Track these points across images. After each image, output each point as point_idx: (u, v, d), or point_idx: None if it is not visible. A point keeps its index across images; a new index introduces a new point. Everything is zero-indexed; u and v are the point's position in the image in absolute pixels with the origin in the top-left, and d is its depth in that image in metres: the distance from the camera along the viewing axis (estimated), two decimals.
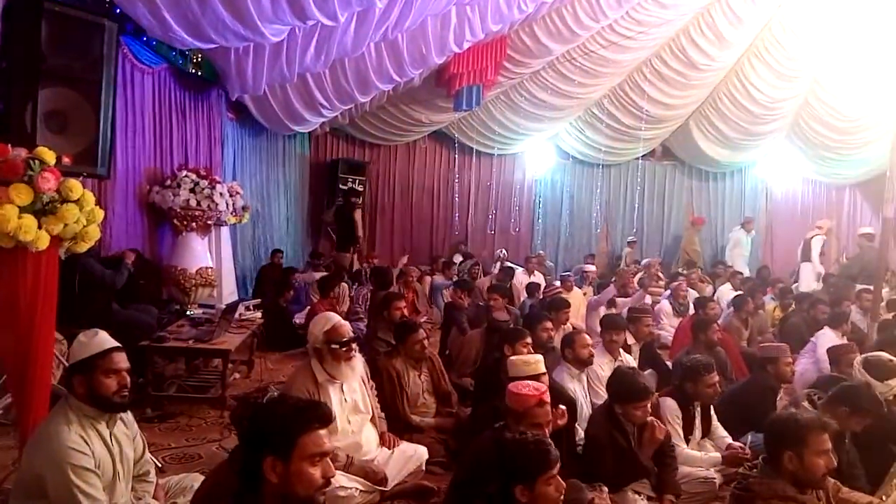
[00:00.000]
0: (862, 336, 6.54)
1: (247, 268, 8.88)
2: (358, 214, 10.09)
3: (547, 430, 3.02)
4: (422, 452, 3.76)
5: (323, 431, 1.82)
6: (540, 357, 3.62)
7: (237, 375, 5.72)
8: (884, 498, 3.22)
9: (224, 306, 5.81)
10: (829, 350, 5.24)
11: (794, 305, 8.27)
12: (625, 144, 11.88)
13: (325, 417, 1.86)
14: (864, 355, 4.49)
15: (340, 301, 7.58)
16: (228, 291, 7.44)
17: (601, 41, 9.44)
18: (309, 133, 10.71)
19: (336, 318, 3.65)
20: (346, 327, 3.61)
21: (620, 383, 3.68)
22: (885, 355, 4.32)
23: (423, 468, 3.75)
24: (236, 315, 5.64)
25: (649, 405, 3.61)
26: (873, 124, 10.64)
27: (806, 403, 3.65)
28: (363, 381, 3.76)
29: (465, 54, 8.78)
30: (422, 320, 6.67)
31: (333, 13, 5.40)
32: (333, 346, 3.50)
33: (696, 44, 9.93)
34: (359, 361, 3.71)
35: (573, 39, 9.28)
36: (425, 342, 4.47)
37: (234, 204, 6.85)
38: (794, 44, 9.96)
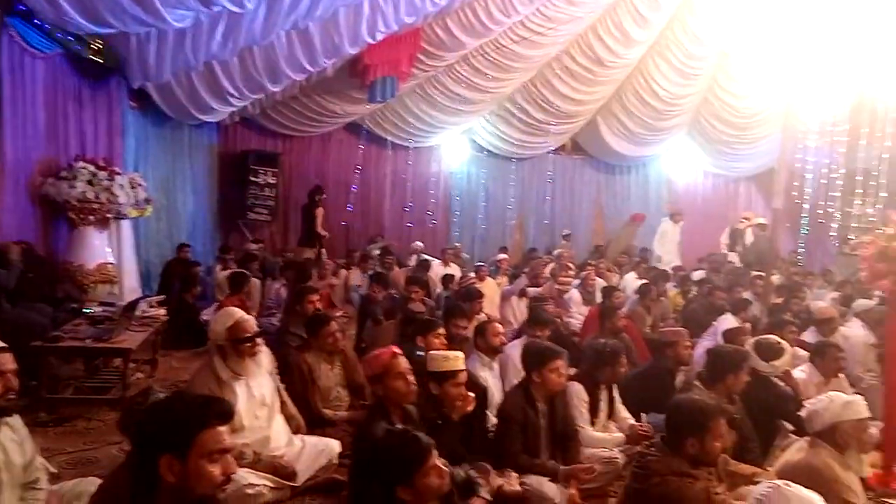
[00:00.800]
0: (755, 320, 6.99)
1: (151, 263, 8.53)
2: (319, 211, 10.19)
3: (455, 416, 3.08)
4: (333, 446, 3.73)
5: (223, 428, 1.78)
6: (460, 354, 3.65)
7: (140, 375, 5.49)
8: (768, 469, 3.47)
9: (125, 303, 5.56)
10: (724, 333, 5.56)
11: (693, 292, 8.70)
12: (536, 138, 12.16)
13: (224, 414, 1.81)
14: (755, 338, 4.81)
15: (251, 297, 7.40)
16: (131, 288, 7.13)
17: (513, 36, 9.61)
18: (217, 123, 10.36)
19: (239, 313, 3.56)
20: (250, 322, 3.54)
21: (532, 351, 3.82)
22: (773, 338, 4.64)
23: (336, 462, 3.73)
24: (138, 312, 5.41)
25: (563, 366, 3.75)
26: (765, 121, 11.34)
27: (696, 382, 3.88)
28: (272, 375, 3.70)
29: (379, 45, 8.73)
30: (337, 314, 6.60)
31: (240, 0, 5.25)
32: (237, 342, 3.43)
33: (604, 41, 10.27)
34: (265, 356, 3.64)
35: (486, 34, 9.41)
36: (338, 335, 4.42)
37: (135, 196, 6.55)
38: (693, 44, 10.47)
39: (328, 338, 4.33)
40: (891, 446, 4.12)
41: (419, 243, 11.74)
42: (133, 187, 6.51)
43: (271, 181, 11.11)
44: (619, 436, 4.19)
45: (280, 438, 3.59)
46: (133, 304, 5.39)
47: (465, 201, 13.09)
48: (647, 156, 13.41)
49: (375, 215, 12.47)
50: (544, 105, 11.35)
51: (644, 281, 8.47)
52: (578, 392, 4.08)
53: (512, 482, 3.29)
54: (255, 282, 7.89)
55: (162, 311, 5.91)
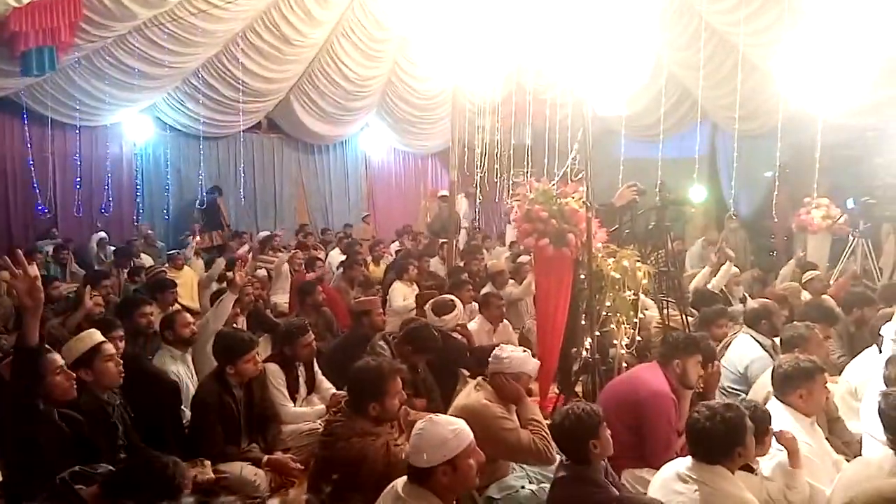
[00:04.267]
0: (442, 282, 7.71)
1: None
2: (221, 201, 10.36)
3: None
4: None
5: None
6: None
7: None
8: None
9: None
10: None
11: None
12: (227, 117, 11.67)
13: None
14: (433, 299, 5.34)
15: None
16: None
17: (190, 8, 9.05)
18: None
19: None
20: None
21: (223, 344, 3.76)
22: (448, 297, 5.21)
23: None
24: None
25: (257, 355, 3.77)
26: (444, 102, 12.38)
27: (382, 343, 4.21)
28: None
29: (29, 11, 7.58)
30: None
31: None
32: None
33: (288, 20, 10.21)
34: None
35: (159, 4, 8.73)
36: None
37: None
38: (374, 27, 10.95)
39: None
40: (545, 378, 4.92)
41: (102, 234, 10.61)
42: None
43: None
44: (321, 407, 4.36)
45: None
46: None
47: (153, 184, 12.10)
48: (344, 135, 13.79)
49: (44, 204, 10.84)
50: (233, 82, 10.96)
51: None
52: (274, 372, 4.14)
53: (205, 470, 3.24)
54: None
55: None
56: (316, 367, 4.56)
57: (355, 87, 11.94)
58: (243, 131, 12.38)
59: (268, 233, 11.20)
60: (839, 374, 4.51)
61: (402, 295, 7.21)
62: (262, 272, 8.22)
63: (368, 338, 5.10)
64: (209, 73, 10.86)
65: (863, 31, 7.38)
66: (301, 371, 4.37)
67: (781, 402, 3.26)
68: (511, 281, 7.37)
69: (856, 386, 4.18)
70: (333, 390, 4.54)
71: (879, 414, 2.48)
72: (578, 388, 4.93)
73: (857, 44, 7.08)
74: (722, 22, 8.85)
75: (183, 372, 4.22)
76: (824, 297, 6.14)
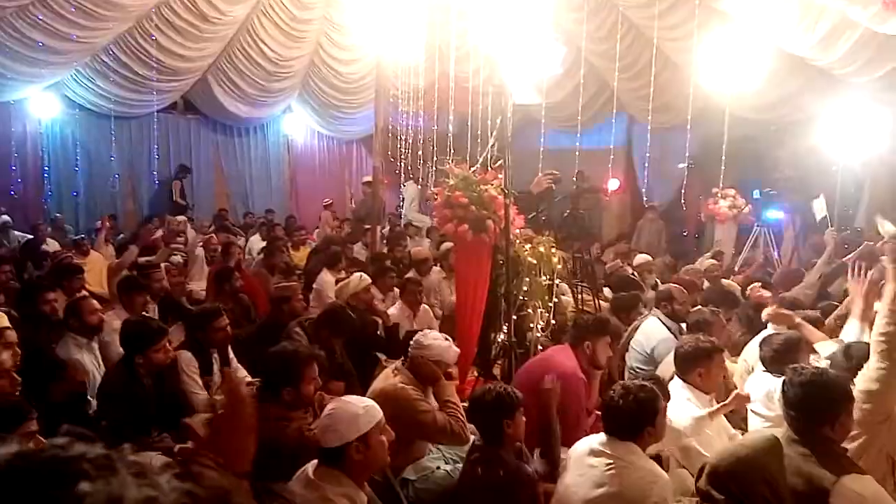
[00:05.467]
0: (364, 268, 7.68)
1: None
2: (175, 185, 10.96)
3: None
4: None
5: None
6: None
7: None
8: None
9: None
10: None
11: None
12: (140, 96, 11.18)
13: None
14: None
15: None
16: None
17: None
18: None
19: None
20: None
21: (132, 334, 3.64)
22: (358, 277, 5.24)
23: None
24: None
25: (168, 343, 3.67)
26: (368, 87, 12.25)
27: (298, 329, 4.18)
28: None
29: None
30: None
31: None
32: None
33: None
34: None
35: None
36: None
37: None
38: (296, 6, 10.70)
39: None
40: (464, 362, 5.00)
41: (5, 217, 10.00)
42: None
43: None
44: None
45: None
46: None
47: (60, 166, 11.47)
48: (265, 117, 13.45)
49: None
50: (147, 60, 10.49)
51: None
52: (187, 360, 4.03)
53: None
54: None
55: None
56: (231, 355, 4.45)
57: (276, 67, 11.64)
58: (158, 111, 11.87)
59: (183, 217, 10.85)
60: (739, 356, 4.79)
61: (330, 285, 7.12)
62: (177, 258, 7.96)
63: (287, 324, 5.07)
64: (121, 50, 10.35)
65: (766, 30, 7.81)
66: (215, 358, 4.26)
67: (682, 380, 3.44)
68: (436, 268, 7.42)
69: (752, 365, 4.46)
70: (249, 378, 4.46)
71: (783, 390, 2.61)
72: (497, 371, 5.04)
73: (762, 42, 7.48)
74: (639, 16, 9.15)
75: (89, 361, 4.05)
76: (726, 282, 6.48)
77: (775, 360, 3.49)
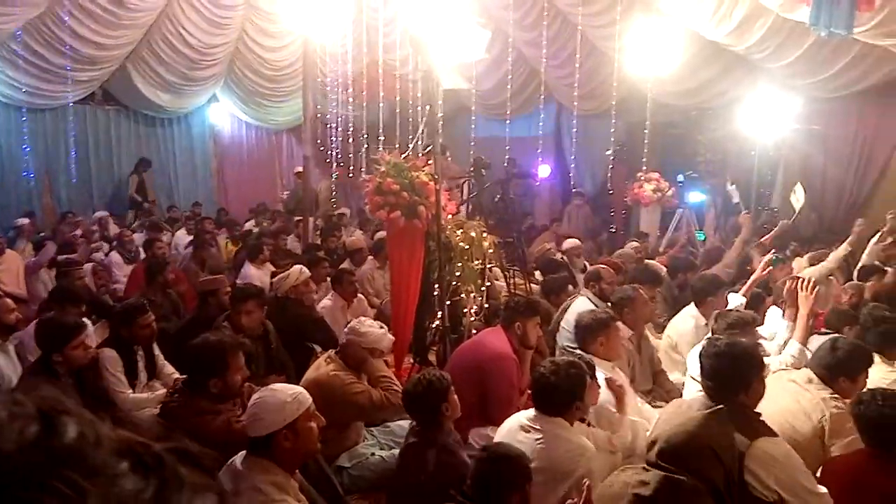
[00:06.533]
0: (300, 258, 7.57)
1: None
2: (133, 179, 11.07)
3: None
4: None
5: None
6: None
7: None
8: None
9: None
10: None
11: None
12: (55, 86, 10.62)
13: None
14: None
15: None
16: None
17: None
18: None
19: None
20: None
21: (47, 331, 3.51)
22: (298, 269, 5.18)
23: None
24: None
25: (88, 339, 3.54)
26: (296, 75, 12.01)
27: (225, 323, 4.10)
28: None
29: None
30: None
31: None
32: None
33: None
34: None
35: None
36: None
37: None
38: None
39: None
40: (400, 349, 5.00)
41: None
42: None
43: None
44: (161, 392, 4.15)
45: None
46: None
47: None
48: (189, 107, 12.99)
49: None
50: (60, 48, 9.97)
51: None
52: (109, 358, 3.88)
53: None
54: None
55: None
56: (157, 351, 4.32)
57: (199, 55, 11.26)
58: (74, 102, 11.30)
59: (104, 213, 10.41)
60: (663, 332, 4.97)
61: (255, 278, 6.99)
62: (99, 255, 7.66)
63: (215, 318, 4.95)
64: (32, 37, 9.79)
65: (686, 17, 8.06)
66: (141, 355, 4.12)
67: (585, 351, 3.57)
68: (370, 258, 7.35)
69: (676, 341, 4.64)
70: (177, 375, 4.34)
71: (699, 360, 2.74)
72: (432, 357, 5.07)
73: (682, 29, 7.72)
74: (564, 3, 9.28)
75: (3, 362, 3.85)
76: (650, 262, 6.70)
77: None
